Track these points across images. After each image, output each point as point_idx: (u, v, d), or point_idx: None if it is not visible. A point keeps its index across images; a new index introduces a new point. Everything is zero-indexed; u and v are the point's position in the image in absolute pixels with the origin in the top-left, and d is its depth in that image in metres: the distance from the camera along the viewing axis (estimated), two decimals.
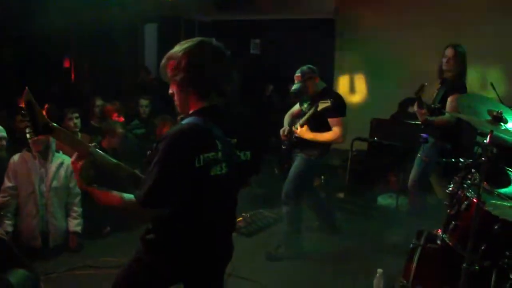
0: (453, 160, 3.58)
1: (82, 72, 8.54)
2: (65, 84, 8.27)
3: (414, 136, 5.79)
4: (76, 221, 4.58)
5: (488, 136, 2.57)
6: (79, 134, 5.26)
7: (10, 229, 4.25)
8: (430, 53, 6.51)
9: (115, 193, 2.05)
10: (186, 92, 2.11)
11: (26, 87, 2.02)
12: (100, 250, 4.56)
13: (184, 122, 2.05)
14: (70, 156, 2.18)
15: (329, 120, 4.27)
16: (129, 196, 2.01)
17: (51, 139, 4.34)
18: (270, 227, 5.34)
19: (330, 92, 4.52)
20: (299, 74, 4.46)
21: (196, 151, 1.95)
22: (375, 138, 6.13)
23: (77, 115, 5.26)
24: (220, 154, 2.02)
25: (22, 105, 2.03)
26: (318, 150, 4.43)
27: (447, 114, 4.28)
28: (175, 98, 2.16)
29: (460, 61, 4.38)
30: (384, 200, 5.96)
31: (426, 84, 4.36)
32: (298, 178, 4.46)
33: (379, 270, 3.67)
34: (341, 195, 6.17)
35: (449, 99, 4.28)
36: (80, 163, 2.08)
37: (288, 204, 4.48)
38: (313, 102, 4.36)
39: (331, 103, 4.11)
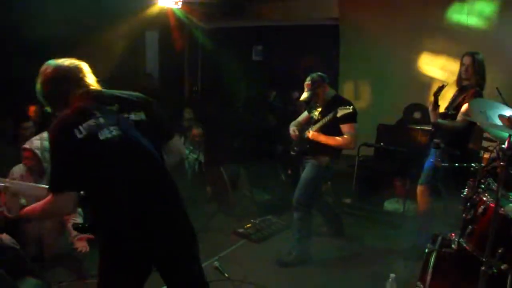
0: (465, 165, 3.61)
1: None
2: None
3: (420, 141, 5.85)
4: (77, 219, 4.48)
5: (507, 141, 2.58)
6: None
7: (16, 245, 4.13)
8: (434, 58, 6.61)
9: (32, 205, 2.28)
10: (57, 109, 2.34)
11: None
12: None
13: None
14: None
15: (342, 126, 4.30)
16: (42, 201, 2.22)
17: (41, 161, 4.28)
18: (279, 233, 5.34)
19: (341, 99, 4.55)
20: (309, 82, 4.48)
21: (72, 126, 2.16)
22: (382, 144, 6.16)
23: None
24: (101, 119, 2.21)
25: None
26: (329, 156, 4.46)
27: (458, 119, 4.29)
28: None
29: (478, 69, 4.36)
30: (391, 205, 5.96)
31: (446, 84, 4.37)
32: (309, 185, 4.48)
33: (392, 275, 3.67)
34: (348, 200, 6.19)
35: (463, 106, 4.28)
36: (3, 196, 2.30)
37: (300, 210, 4.48)
38: (326, 109, 4.40)
39: (352, 109, 4.14)
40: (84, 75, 2.37)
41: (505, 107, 3.22)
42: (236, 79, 8.78)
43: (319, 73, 4.56)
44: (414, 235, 4.68)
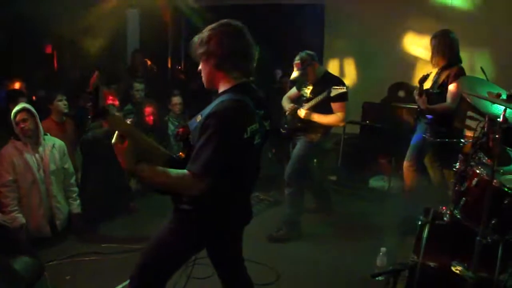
0: (454, 140, 3.72)
1: (64, 58, 8.39)
2: (48, 71, 8.12)
3: (405, 119, 5.96)
4: (76, 203, 4.60)
5: (502, 114, 2.66)
6: (64, 117, 5.18)
7: (23, 220, 4.15)
8: (418, 38, 6.67)
9: (163, 169, 2.14)
10: (210, 66, 2.26)
11: (97, 72, 2.09)
12: (101, 236, 4.57)
13: (225, 99, 2.17)
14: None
15: (333, 104, 4.35)
16: (177, 171, 2.12)
17: (39, 123, 4.32)
18: (268, 210, 5.42)
19: (333, 77, 4.58)
20: (299, 61, 4.47)
21: (245, 124, 2.16)
22: (367, 122, 6.23)
23: (65, 97, 5.18)
24: (258, 125, 2.22)
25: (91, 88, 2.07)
26: (320, 133, 4.52)
27: (449, 100, 4.36)
28: (202, 73, 2.32)
29: (448, 47, 4.41)
30: (376, 182, 6.07)
31: (430, 74, 4.45)
32: (300, 161, 4.53)
33: (383, 249, 3.76)
34: (334, 177, 6.26)
35: (452, 86, 4.34)
36: (125, 144, 2.10)
37: (291, 186, 4.54)
38: (317, 87, 4.44)
39: (346, 89, 4.17)
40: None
41: (491, 84, 3.31)
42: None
43: (308, 51, 4.55)
44: (401, 211, 4.77)
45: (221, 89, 2.27)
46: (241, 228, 2.57)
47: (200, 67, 2.31)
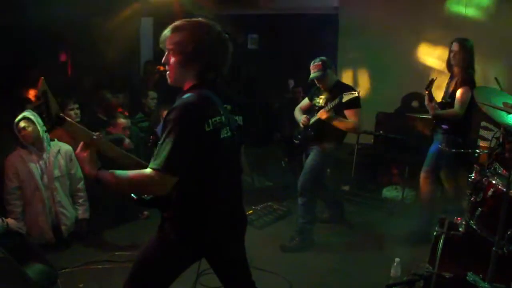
0: (469, 150, 3.70)
1: (79, 65, 8.45)
2: (63, 78, 8.18)
3: (419, 129, 5.94)
4: (83, 208, 4.62)
5: None
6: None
7: (22, 230, 4.15)
8: (432, 48, 6.66)
9: (123, 171, 2.12)
10: (186, 65, 2.20)
11: (42, 77, 2.07)
12: (114, 243, 4.60)
13: (185, 96, 2.16)
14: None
15: (346, 111, 4.34)
16: (138, 171, 2.10)
17: (41, 130, 4.28)
18: (281, 219, 5.40)
19: (344, 85, 4.58)
20: (319, 62, 4.44)
21: (204, 117, 2.11)
22: (381, 132, 6.21)
23: (77, 105, 5.20)
24: (223, 118, 2.20)
25: (36, 94, 2.08)
26: (333, 143, 4.52)
27: (456, 107, 4.35)
28: (169, 68, 2.24)
29: (467, 55, 4.43)
30: (389, 192, 6.04)
31: (435, 78, 4.44)
32: (314, 171, 4.52)
33: (397, 259, 3.74)
34: (346, 187, 6.25)
35: (458, 92, 4.35)
36: (87, 152, 2.13)
37: (304, 196, 4.53)
38: (330, 96, 4.44)
39: (358, 93, 4.16)
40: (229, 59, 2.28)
41: (506, 94, 3.30)
42: (231, 67, 8.69)
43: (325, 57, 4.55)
44: (415, 221, 4.75)
45: (185, 87, 2.24)
46: (233, 235, 2.44)
47: (165, 59, 2.24)
